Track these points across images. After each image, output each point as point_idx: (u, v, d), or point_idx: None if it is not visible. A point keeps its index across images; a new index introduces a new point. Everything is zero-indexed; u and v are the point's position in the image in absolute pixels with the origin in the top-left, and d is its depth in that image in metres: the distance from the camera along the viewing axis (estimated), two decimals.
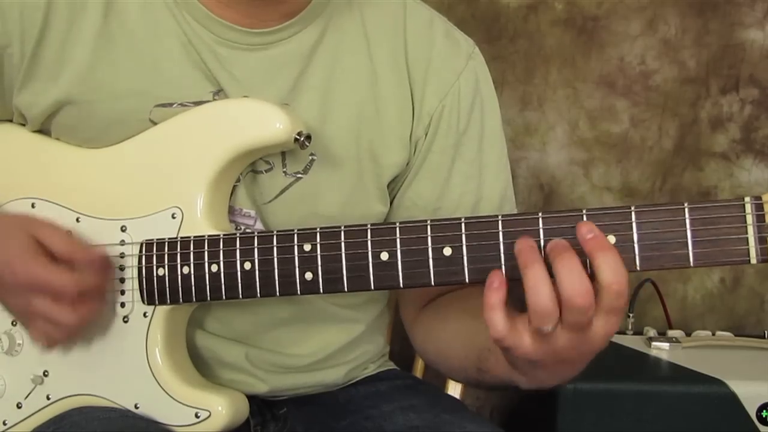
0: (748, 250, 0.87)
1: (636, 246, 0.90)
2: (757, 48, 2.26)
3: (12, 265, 1.09)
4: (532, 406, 1.97)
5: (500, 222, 0.94)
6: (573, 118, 2.28)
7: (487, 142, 1.26)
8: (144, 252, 1.13)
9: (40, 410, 1.18)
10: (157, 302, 1.12)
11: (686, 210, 0.88)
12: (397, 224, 0.99)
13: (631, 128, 2.28)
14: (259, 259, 1.05)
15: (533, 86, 2.27)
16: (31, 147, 1.22)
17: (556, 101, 2.27)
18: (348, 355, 1.31)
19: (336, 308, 1.27)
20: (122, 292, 1.14)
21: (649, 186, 2.29)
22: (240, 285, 1.07)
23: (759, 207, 0.86)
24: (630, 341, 2.01)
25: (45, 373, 1.18)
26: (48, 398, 1.17)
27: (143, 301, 1.13)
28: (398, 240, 0.99)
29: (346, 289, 1.02)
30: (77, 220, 1.17)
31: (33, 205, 1.19)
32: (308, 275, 1.03)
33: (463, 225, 0.96)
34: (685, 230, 0.88)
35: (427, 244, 0.97)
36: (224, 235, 1.08)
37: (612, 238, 0.90)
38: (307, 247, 1.03)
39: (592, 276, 0.88)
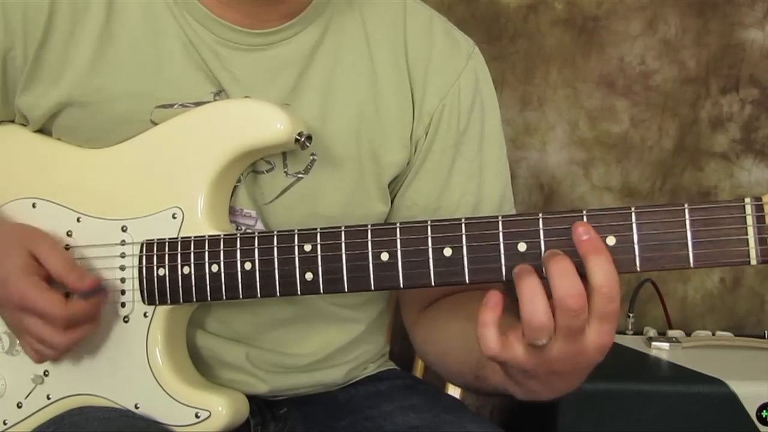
0: (748, 251, 0.87)
1: (636, 247, 0.90)
2: (757, 48, 2.26)
3: (6, 283, 1.10)
4: (532, 406, 1.97)
5: (500, 223, 0.94)
6: (573, 118, 2.28)
7: (487, 142, 1.26)
8: (144, 252, 1.13)
9: (40, 410, 1.18)
10: (157, 302, 1.12)
11: (686, 211, 0.88)
12: (398, 225, 0.99)
13: (631, 128, 2.28)
14: (259, 260, 1.05)
15: (533, 86, 2.27)
16: (32, 147, 1.23)
17: (556, 101, 2.27)
18: (348, 355, 1.31)
19: (336, 308, 1.28)
20: (123, 292, 1.15)
21: (649, 186, 2.29)
22: (240, 285, 1.07)
23: (759, 208, 0.86)
24: (630, 341, 2.01)
25: (45, 373, 1.18)
26: (48, 398, 1.17)
27: (144, 301, 1.13)
28: (398, 240, 0.99)
29: (346, 290, 1.02)
30: (78, 220, 1.17)
31: (34, 205, 1.19)
32: (308, 275, 1.03)
33: (463, 226, 0.96)
34: (686, 231, 0.88)
35: (427, 245, 0.97)
36: (225, 235, 1.08)
37: (612, 239, 0.90)
38: (307, 248, 1.03)
39: (585, 279, 0.88)
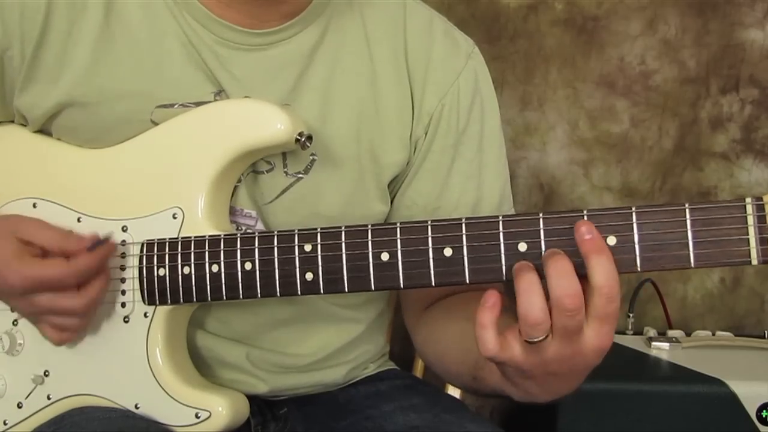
0: (749, 251, 0.87)
1: (637, 247, 0.90)
2: (757, 48, 2.26)
3: (4, 276, 1.10)
4: (532, 406, 1.97)
5: (501, 223, 0.94)
6: (573, 118, 2.28)
7: (487, 142, 1.26)
8: (145, 252, 1.13)
9: (40, 410, 1.18)
10: (157, 302, 1.12)
11: (687, 211, 0.88)
12: (398, 225, 0.99)
13: (631, 128, 2.28)
14: (259, 260, 1.05)
15: (533, 86, 2.27)
16: (32, 147, 1.22)
17: (556, 101, 2.28)
18: (348, 355, 1.31)
19: (336, 308, 1.28)
20: (123, 292, 1.14)
21: (649, 186, 2.30)
22: (241, 285, 1.07)
23: (760, 208, 0.86)
24: (630, 341, 2.01)
25: (46, 373, 1.18)
26: (48, 398, 1.17)
27: (144, 302, 1.13)
28: (399, 240, 0.98)
29: (346, 290, 1.02)
30: (78, 220, 1.17)
31: (34, 205, 1.19)
32: (309, 275, 1.03)
33: (463, 225, 0.96)
34: (686, 231, 0.88)
35: (427, 245, 0.97)
36: (225, 235, 1.08)
37: (613, 239, 0.90)
38: (307, 248, 1.03)
39: (584, 275, 0.88)
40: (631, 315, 2.12)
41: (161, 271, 1.11)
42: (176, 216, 1.13)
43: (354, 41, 1.20)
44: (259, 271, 1.05)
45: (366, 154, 1.20)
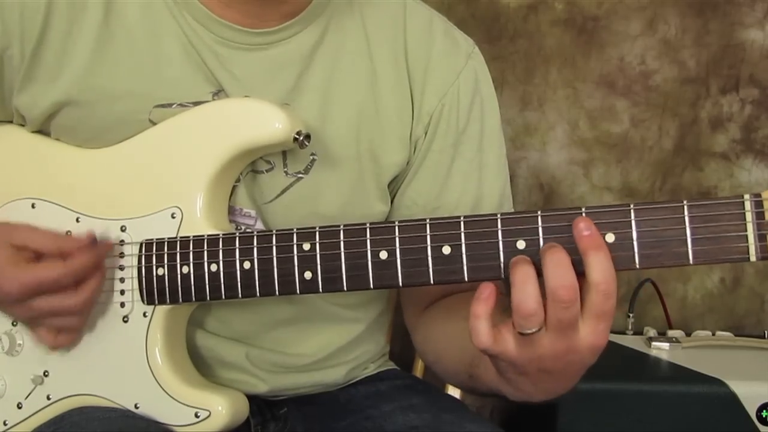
0: (747, 247, 0.86)
1: (635, 244, 0.90)
2: (757, 48, 2.26)
3: (0, 285, 1.09)
4: (532, 406, 1.97)
5: (499, 221, 0.94)
6: (573, 118, 2.28)
7: (487, 141, 1.26)
8: (144, 252, 1.12)
9: (40, 410, 1.18)
10: (156, 302, 1.12)
11: (685, 208, 0.88)
12: (396, 223, 0.99)
13: (631, 128, 2.28)
14: (258, 259, 1.05)
15: (533, 86, 2.27)
16: (30, 147, 1.22)
17: (556, 101, 2.28)
18: (348, 355, 1.31)
19: (336, 308, 1.28)
20: (122, 292, 1.14)
21: (649, 186, 2.30)
22: (239, 284, 1.06)
23: (758, 204, 0.86)
24: (630, 341, 2.01)
25: (45, 373, 1.18)
26: (48, 398, 1.17)
27: (143, 301, 1.13)
28: (397, 239, 0.98)
29: (345, 288, 1.01)
30: (77, 220, 1.17)
31: (33, 206, 1.19)
32: (307, 274, 1.03)
33: (462, 224, 0.95)
34: (685, 228, 0.88)
35: (426, 243, 0.97)
36: (224, 234, 1.08)
37: (611, 236, 0.90)
38: (306, 246, 1.03)
39: (582, 273, 0.88)
40: (631, 315, 2.12)
41: (160, 271, 1.11)
42: (175, 215, 1.13)
43: (354, 41, 1.20)
44: (258, 270, 1.05)
45: (366, 154, 1.20)
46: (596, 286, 0.87)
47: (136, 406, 1.13)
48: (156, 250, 1.12)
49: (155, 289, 1.11)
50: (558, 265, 0.88)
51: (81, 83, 1.15)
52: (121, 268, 1.14)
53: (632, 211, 0.90)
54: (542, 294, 0.88)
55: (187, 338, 1.18)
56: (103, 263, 1.12)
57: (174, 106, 1.15)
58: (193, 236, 1.10)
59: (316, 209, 1.19)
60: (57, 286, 1.08)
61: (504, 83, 2.25)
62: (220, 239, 1.08)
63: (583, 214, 0.91)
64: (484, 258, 0.95)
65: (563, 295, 0.86)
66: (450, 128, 1.23)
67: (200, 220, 1.12)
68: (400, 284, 0.98)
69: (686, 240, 0.88)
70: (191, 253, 1.09)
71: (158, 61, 1.15)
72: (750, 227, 0.86)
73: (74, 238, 1.12)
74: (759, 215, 0.86)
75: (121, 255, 1.14)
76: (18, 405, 1.18)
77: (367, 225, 1.00)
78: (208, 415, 1.11)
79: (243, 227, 1.17)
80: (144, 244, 1.13)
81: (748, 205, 0.86)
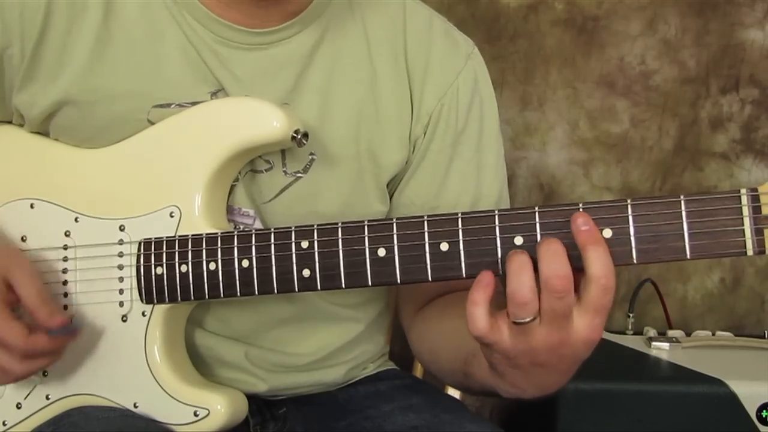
0: (744, 241, 0.87)
1: (632, 239, 0.90)
2: (757, 48, 2.26)
3: None
4: (532, 406, 1.97)
5: (497, 217, 0.94)
6: (573, 118, 2.28)
7: (486, 142, 1.26)
8: (142, 251, 1.12)
9: (39, 410, 1.18)
10: (155, 301, 1.12)
11: (682, 202, 0.88)
12: (394, 220, 0.99)
13: (631, 128, 2.28)
14: (256, 257, 1.05)
15: (533, 86, 2.27)
16: (29, 147, 1.23)
17: (556, 101, 2.28)
18: (347, 355, 1.31)
19: (336, 307, 1.28)
20: (121, 292, 1.14)
21: (649, 186, 2.29)
22: (238, 283, 1.06)
23: (755, 199, 0.86)
24: (630, 341, 2.01)
25: (44, 374, 1.17)
26: (47, 398, 1.17)
27: (142, 300, 1.13)
28: (395, 236, 0.98)
29: (343, 285, 1.01)
30: (76, 220, 1.17)
31: (32, 206, 1.19)
32: (306, 272, 1.03)
33: (459, 220, 0.96)
34: (682, 223, 0.88)
35: (424, 240, 0.97)
36: (222, 233, 1.08)
37: (608, 232, 0.90)
38: (304, 244, 1.03)
39: (579, 269, 0.88)
40: (631, 315, 2.12)
41: (159, 270, 1.11)
42: (173, 215, 1.13)
43: (354, 41, 1.21)
44: (257, 268, 1.05)
45: (365, 153, 1.20)
46: (597, 280, 0.87)
47: (135, 406, 1.13)
48: (155, 250, 1.12)
49: (154, 289, 1.11)
50: (552, 255, 0.88)
51: (80, 83, 1.15)
52: (120, 267, 1.14)
53: (629, 206, 0.90)
54: (538, 286, 0.88)
55: (186, 337, 1.19)
56: (61, 350, 1.12)
57: (173, 106, 1.15)
58: (192, 235, 1.10)
59: (314, 209, 1.19)
60: (8, 348, 1.08)
61: (504, 83, 2.25)
62: (219, 238, 1.08)
63: (581, 210, 0.91)
64: (481, 254, 0.95)
65: (556, 285, 0.86)
66: (449, 128, 1.23)
67: (199, 219, 1.12)
68: (398, 281, 0.98)
69: (683, 235, 0.88)
70: (190, 252, 1.09)
71: (158, 61, 1.15)
72: (747, 222, 0.86)
73: (52, 312, 1.10)
74: (755, 209, 0.86)
75: (120, 254, 1.14)
76: (17, 405, 1.18)
77: (365, 222, 1.00)
78: (207, 414, 1.11)
79: (241, 227, 1.18)
80: (142, 244, 1.13)
81: (744, 199, 0.87)
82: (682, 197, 0.88)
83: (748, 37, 2.26)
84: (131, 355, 1.14)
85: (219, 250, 1.07)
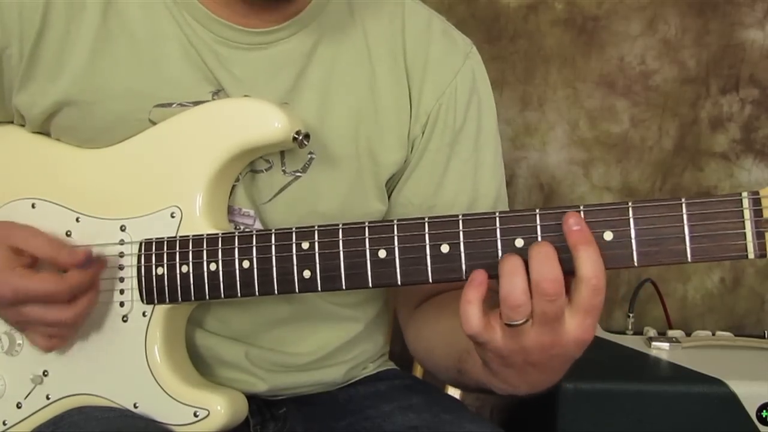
0: (745, 244, 0.86)
1: (633, 242, 0.90)
2: (757, 48, 2.26)
3: None
4: (532, 406, 1.97)
5: (497, 219, 0.94)
6: (573, 118, 2.28)
7: (484, 141, 1.26)
8: (143, 251, 1.12)
9: (39, 410, 1.18)
10: (156, 301, 1.12)
11: (684, 205, 0.88)
12: (395, 222, 0.99)
13: (631, 128, 2.28)
14: (257, 258, 1.05)
15: (533, 86, 2.27)
16: (30, 147, 1.23)
17: (556, 101, 2.28)
18: (347, 354, 1.31)
19: (335, 307, 1.28)
20: (121, 292, 1.14)
21: (649, 186, 2.30)
22: (238, 283, 1.06)
23: (756, 202, 0.86)
24: (630, 341, 2.01)
25: (45, 373, 1.18)
26: (48, 398, 1.17)
27: (142, 301, 1.13)
28: (396, 237, 0.98)
29: (344, 287, 1.01)
30: (77, 220, 1.17)
31: (33, 206, 1.19)
32: (306, 273, 1.03)
33: (460, 222, 0.96)
34: (683, 226, 0.88)
35: (424, 242, 0.97)
36: (223, 233, 1.08)
37: (609, 234, 0.90)
38: (305, 245, 1.03)
39: (572, 272, 0.88)
40: (631, 315, 2.12)
41: (159, 270, 1.11)
42: (174, 215, 1.13)
43: (353, 41, 1.21)
44: (257, 269, 1.05)
45: (364, 152, 1.20)
46: (587, 281, 0.87)
47: (135, 406, 1.13)
48: (155, 250, 1.12)
49: (155, 289, 1.12)
50: (543, 258, 0.88)
51: (80, 83, 1.15)
52: (121, 267, 1.14)
53: (630, 209, 0.90)
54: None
55: (187, 338, 1.19)
56: (98, 281, 1.13)
57: (174, 105, 1.15)
58: (193, 236, 1.10)
59: (314, 208, 1.19)
60: (50, 299, 1.08)
61: (504, 83, 2.25)
62: (220, 238, 1.08)
63: (582, 213, 0.91)
64: (482, 256, 0.95)
65: (547, 288, 0.87)
66: (447, 127, 1.23)
67: (200, 220, 1.12)
68: (399, 283, 0.98)
69: (684, 238, 0.88)
70: (190, 253, 1.09)
71: (158, 61, 1.15)
72: (748, 225, 0.86)
73: (71, 251, 1.11)
74: (757, 213, 0.86)
75: (121, 255, 1.14)
76: (17, 405, 1.19)
77: (366, 224, 1.00)
78: (207, 415, 1.11)
79: (242, 227, 1.18)
80: (143, 244, 1.13)
81: (746, 202, 0.86)
82: (683, 200, 0.88)
83: (748, 37, 2.26)
84: (131, 356, 1.14)
85: (220, 250, 1.07)
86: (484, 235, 0.94)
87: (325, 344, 1.28)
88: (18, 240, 1.11)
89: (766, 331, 2.09)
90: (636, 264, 0.90)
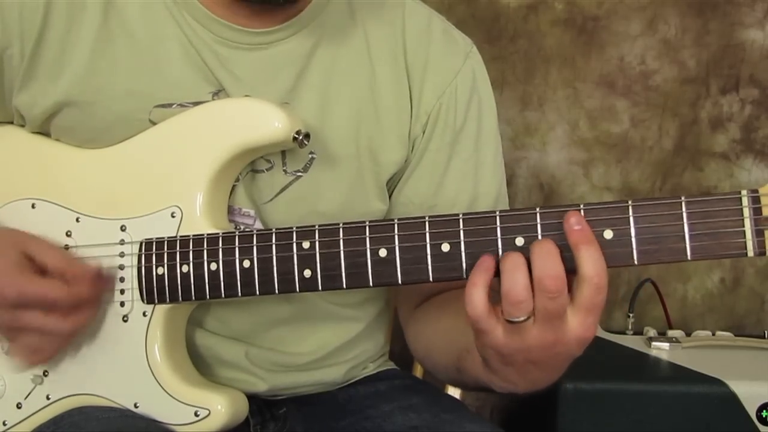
0: (745, 242, 0.86)
1: (633, 240, 0.90)
2: (757, 48, 2.26)
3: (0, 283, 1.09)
4: (532, 406, 1.97)
5: (498, 218, 0.94)
6: (573, 118, 2.28)
7: (484, 141, 1.26)
8: (143, 251, 1.12)
9: (39, 410, 1.18)
10: (156, 301, 1.12)
11: (683, 204, 0.88)
12: (395, 221, 0.99)
13: (631, 128, 2.28)
14: (258, 257, 1.05)
15: (533, 86, 2.27)
16: (31, 148, 1.23)
17: (556, 101, 2.28)
18: (347, 354, 1.31)
19: (335, 307, 1.28)
20: (122, 292, 1.14)
21: (649, 186, 2.30)
22: (239, 283, 1.06)
23: (756, 200, 0.86)
24: (630, 341, 2.01)
25: (45, 373, 1.18)
26: (48, 398, 1.17)
27: (143, 300, 1.13)
28: (396, 236, 0.98)
29: (344, 286, 1.01)
30: (77, 220, 1.17)
31: (33, 206, 1.19)
32: (307, 272, 1.03)
33: (461, 221, 0.96)
34: (683, 224, 0.88)
35: (425, 241, 0.97)
36: (223, 233, 1.08)
37: (609, 233, 0.90)
38: (305, 245, 1.03)
39: (574, 270, 0.88)
40: (631, 315, 2.12)
41: (160, 270, 1.11)
42: (175, 215, 1.13)
43: (353, 40, 1.21)
44: (258, 268, 1.05)
45: (365, 152, 1.21)
46: (589, 279, 0.87)
47: (135, 406, 1.13)
48: (156, 250, 1.12)
49: (155, 289, 1.11)
50: (545, 255, 0.88)
51: (81, 83, 1.15)
52: (121, 267, 1.14)
53: (630, 207, 0.90)
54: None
55: (187, 337, 1.19)
56: (101, 298, 1.13)
57: (174, 106, 1.15)
58: (193, 235, 1.10)
59: (314, 208, 1.19)
60: (52, 307, 1.08)
61: (504, 83, 2.25)
62: (220, 238, 1.08)
63: (582, 212, 0.91)
64: (483, 255, 0.94)
65: (549, 285, 0.87)
66: (447, 127, 1.23)
67: (200, 220, 1.12)
68: (400, 282, 0.98)
69: (684, 236, 0.88)
70: (191, 253, 1.09)
71: (158, 61, 1.15)
72: (747, 223, 0.86)
73: (80, 265, 1.12)
74: (756, 211, 0.86)
75: (121, 254, 1.14)
76: (17, 405, 1.19)
77: (367, 223, 1.00)
78: (208, 414, 1.11)
79: (242, 227, 1.18)
80: (144, 244, 1.13)
81: (745, 200, 0.87)
82: (683, 198, 0.88)
83: (748, 37, 2.26)
84: (132, 355, 1.14)
85: (220, 250, 1.07)
86: (485, 234, 0.94)
87: (326, 344, 1.28)
88: (32, 248, 1.11)
89: (766, 331, 2.09)
90: (636, 262, 0.90)
